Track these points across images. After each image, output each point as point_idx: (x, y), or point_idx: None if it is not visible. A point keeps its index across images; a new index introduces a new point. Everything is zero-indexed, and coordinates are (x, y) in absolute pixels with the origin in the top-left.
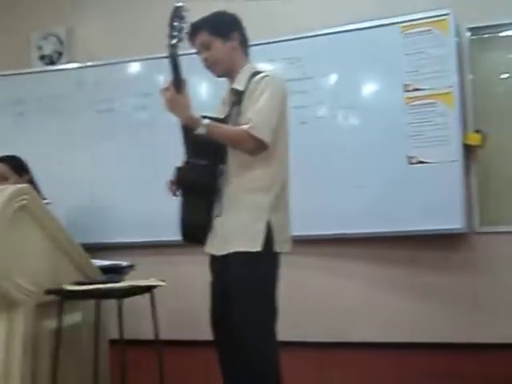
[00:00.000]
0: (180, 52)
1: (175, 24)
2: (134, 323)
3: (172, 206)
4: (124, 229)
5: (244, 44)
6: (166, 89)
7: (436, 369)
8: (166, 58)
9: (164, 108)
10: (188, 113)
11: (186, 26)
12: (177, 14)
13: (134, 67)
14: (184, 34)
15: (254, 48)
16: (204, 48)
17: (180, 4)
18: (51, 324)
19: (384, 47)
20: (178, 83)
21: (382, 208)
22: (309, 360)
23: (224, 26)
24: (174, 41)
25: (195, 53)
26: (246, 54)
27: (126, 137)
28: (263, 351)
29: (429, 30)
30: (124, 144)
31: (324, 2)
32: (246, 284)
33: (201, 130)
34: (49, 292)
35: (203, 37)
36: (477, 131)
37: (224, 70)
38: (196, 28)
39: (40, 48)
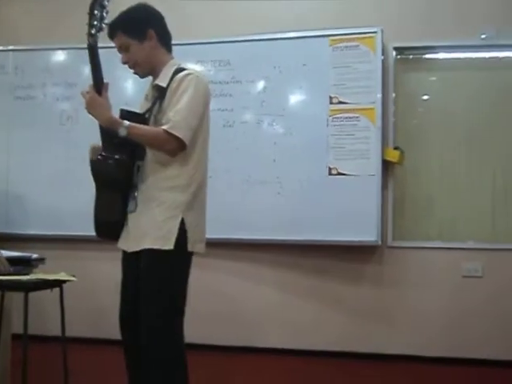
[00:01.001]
0: (99, 43)
1: (95, 12)
2: (39, 318)
3: (87, 199)
4: (36, 220)
5: (164, 39)
6: (86, 91)
7: (340, 377)
8: (85, 48)
9: (86, 113)
10: (108, 115)
11: (107, 16)
12: (98, 2)
13: (59, 55)
14: (104, 24)
15: (183, 47)
16: (123, 50)
17: None
18: None
19: (313, 58)
20: (98, 85)
21: (299, 216)
22: (214, 363)
23: (139, 26)
24: (94, 30)
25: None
26: (167, 49)
27: (45, 126)
28: (170, 351)
29: (357, 45)
30: (43, 134)
31: (257, 9)
32: (154, 281)
33: (121, 132)
34: None
35: (120, 39)
36: (396, 148)
37: (146, 70)
38: (112, 30)
39: None
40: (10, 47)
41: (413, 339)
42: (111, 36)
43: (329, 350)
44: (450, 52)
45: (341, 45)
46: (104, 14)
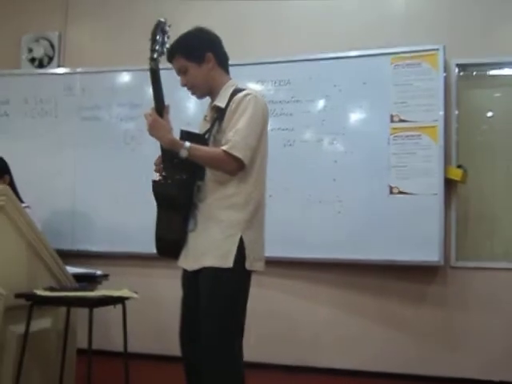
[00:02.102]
0: (161, 66)
1: (157, 38)
2: (103, 333)
3: (150, 217)
4: (101, 237)
5: (222, 61)
6: (149, 114)
7: None
8: (147, 70)
9: (147, 131)
10: (169, 136)
11: (168, 41)
12: (159, 27)
13: (124, 77)
14: (165, 49)
15: (243, 68)
16: (182, 73)
17: (163, 19)
18: (19, 328)
19: (373, 77)
20: (160, 107)
21: (360, 235)
22: (271, 381)
23: (197, 49)
24: (155, 55)
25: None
26: (225, 70)
27: (110, 146)
28: (229, 369)
29: (418, 63)
30: (108, 153)
31: (317, 28)
32: (214, 300)
33: (182, 154)
34: (19, 296)
35: (179, 62)
36: (459, 166)
37: (204, 92)
38: (171, 53)
39: (30, 50)
40: (78, 70)
41: (477, 362)
42: (170, 59)
43: (389, 371)
44: None
45: (402, 63)
46: (165, 39)
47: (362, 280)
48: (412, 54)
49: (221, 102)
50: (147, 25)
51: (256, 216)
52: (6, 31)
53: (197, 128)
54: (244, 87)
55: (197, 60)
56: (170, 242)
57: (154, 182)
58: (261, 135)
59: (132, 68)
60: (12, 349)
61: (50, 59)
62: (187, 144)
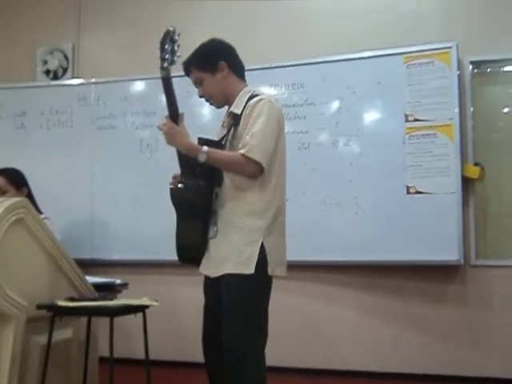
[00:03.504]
0: (173, 72)
1: (166, 47)
2: (124, 342)
3: (169, 225)
4: (120, 246)
5: (236, 69)
6: (163, 124)
7: None
8: (159, 79)
9: (164, 140)
10: (187, 141)
11: (178, 49)
12: (168, 36)
13: (138, 86)
14: (176, 57)
15: (257, 72)
16: (198, 84)
17: (171, 28)
18: (41, 339)
19: (387, 77)
20: (174, 115)
21: (378, 236)
22: None
23: (210, 59)
24: (165, 63)
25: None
26: (240, 77)
27: (126, 155)
28: (252, 374)
29: (431, 61)
30: (124, 162)
31: (329, 29)
32: (236, 306)
33: (201, 158)
34: (40, 307)
35: (195, 74)
36: (476, 164)
37: (221, 101)
38: (187, 66)
39: (45, 63)
40: (92, 80)
41: (498, 361)
42: (187, 73)
43: (410, 372)
44: None
45: (415, 62)
46: (175, 48)
47: (381, 281)
48: (425, 53)
49: (237, 109)
50: (159, 33)
51: (276, 222)
52: (20, 44)
53: (213, 135)
54: (260, 93)
55: (210, 69)
56: (191, 249)
57: (172, 189)
58: (277, 140)
59: (145, 76)
60: (35, 359)
61: (65, 71)
62: (205, 148)
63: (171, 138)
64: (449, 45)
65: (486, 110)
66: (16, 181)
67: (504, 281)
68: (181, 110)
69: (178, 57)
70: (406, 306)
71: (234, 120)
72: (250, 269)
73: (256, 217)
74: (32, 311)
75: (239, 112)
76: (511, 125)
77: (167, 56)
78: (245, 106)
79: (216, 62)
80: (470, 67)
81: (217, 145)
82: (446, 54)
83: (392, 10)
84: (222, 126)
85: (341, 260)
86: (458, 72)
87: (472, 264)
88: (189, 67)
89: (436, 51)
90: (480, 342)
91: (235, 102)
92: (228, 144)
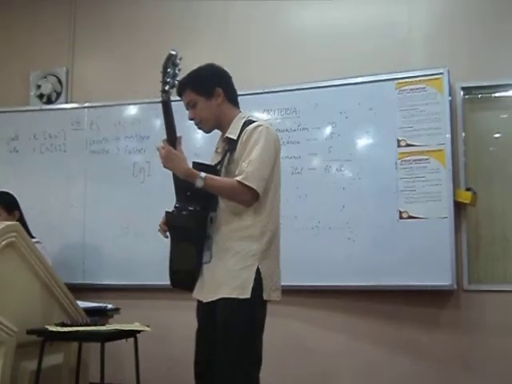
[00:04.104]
0: (172, 98)
1: (168, 70)
2: (115, 367)
3: (161, 250)
4: (112, 271)
5: (231, 96)
6: (161, 146)
7: None
8: (155, 102)
9: (161, 164)
10: (185, 166)
11: (179, 73)
12: (170, 60)
13: (131, 110)
14: (176, 81)
15: (249, 97)
16: (190, 107)
17: (174, 52)
18: (31, 365)
19: (379, 102)
20: (172, 139)
21: (370, 261)
22: None
23: (207, 84)
24: (167, 87)
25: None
26: (234, 104)
27: (119, 179)
28: None
29: (423, 87)
30: (117, 186)
31: (321, 55)
32: (231, 331)
33: (198, 183)
34: (31, 332)
35: (189, 96)
36: (468, 189)
37: (211, 126)
38: (182, 87)
39: (39, 87)
40: (86, 104)
41: None
42: (180, 93)
43: None
44: None
45: (407, 87)
46: (176, 72)
47: (375, 306)
48: (417, 79)
49: (232, 134)
50: (153, 59)
51: (271, 246)
52: (13, 68)
53: (207, 159)
54: (255, 119)
55: (206, 94)
56: (185, 273)
57: (168, 213)
58: (273, 166)
59: (139, 101)
60: None
61: (58, 95)
62: (203, 174)
63: (169, 162)
64: (440, 71)
65: (478, 136)
66: (8, 204)
67: (497, 305)
68: (178, 134)
69: (178, 81)
70: (398, 331)
71: (230, 145)
72: (246, 293)
73: (251, 241)
74: (22, 336)
75: (235, 137)
76: (502, 150)
77: (168, 79)
78: (241, 132)
79: (213, 88)
80: (462, 93)
81: (212, 170)
82: (437, 80)
83: (384, 36)
84: (216, 151)
85: (333, 285)
86: (450, 98)
87: (465, 289)
88: (184, 88)
89: (427, 77)
90: (473, 366)
91: (230, 127)
92: (223, 169)
